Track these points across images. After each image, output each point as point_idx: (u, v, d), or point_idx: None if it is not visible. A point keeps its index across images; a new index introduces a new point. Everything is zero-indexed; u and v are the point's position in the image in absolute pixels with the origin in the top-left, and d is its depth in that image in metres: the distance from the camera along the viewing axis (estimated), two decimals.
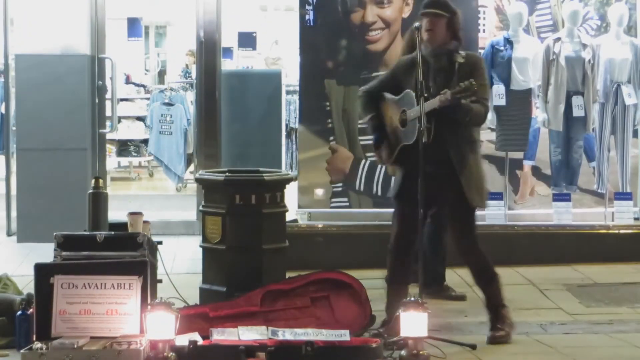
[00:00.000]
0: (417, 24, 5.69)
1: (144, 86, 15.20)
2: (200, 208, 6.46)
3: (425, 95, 5.52)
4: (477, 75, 5.74)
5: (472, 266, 5.88)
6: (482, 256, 5.84)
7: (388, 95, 5.89)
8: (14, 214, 9.19)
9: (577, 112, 8.44)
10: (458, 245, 5.86)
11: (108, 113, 9.72)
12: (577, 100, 8.44)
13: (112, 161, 13.66)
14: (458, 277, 7.38)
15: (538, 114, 8.49)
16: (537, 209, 8.54)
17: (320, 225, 8.26)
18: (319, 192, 8.26)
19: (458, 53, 5.80)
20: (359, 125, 7.99)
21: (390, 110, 5.86)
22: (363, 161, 8.21)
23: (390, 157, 5.87)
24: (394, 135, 5.83)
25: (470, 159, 5.75)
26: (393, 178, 6.13)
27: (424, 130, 5.47)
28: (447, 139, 5.61)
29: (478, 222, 8.32)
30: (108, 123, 9.61)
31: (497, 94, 8.33)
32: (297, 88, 8.97)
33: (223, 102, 9.32)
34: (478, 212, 8.31)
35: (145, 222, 5.90)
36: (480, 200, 5.81)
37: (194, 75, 11.53)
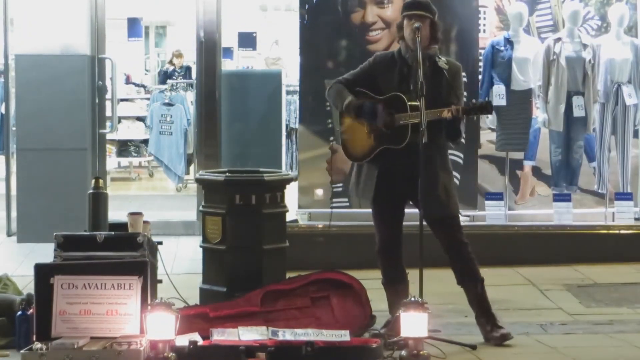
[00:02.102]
0: (417, 24, 5.66)
1: (144, 86, 15.20)
2: (201, 208, 6.46)
3: (414, 105, 5.52)
4: (457, 85, 5.76)
5: (455, 265, 5.82)
6: (467, 255, 5.80)
7: (368, 92, 5.75)
8: (14, 214, 9.20)
9: (578, 112, 8.44)
10: (443, 246, 5.82)
11: (108, 113, 9.72)
12: (577, 101, 8.44)
13: (112, 161, 13.66)
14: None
15: (538, 114, 8.49)
16: (538, 209, 8.54)
17: (320, 226, 8.26)
18: (319, 192, 8.26)
19: (439, 57, 5.77)
20: None
21: None
22: None
23: (391, 123, 5.67)
24: (374, 135, 5.73)
25: (437, 169, 5.71)
26: (353, 177, 5.98)
27: (424, 130, 5.46)
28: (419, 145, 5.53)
29: (478, 223, 8.37)
30: (108, 123, 9.61)
31: (498, 94, 8.33)
32: (297, 88, 8.97)
33: (223, 102, 9.32)
34: (478, 213, 8.37)
35: (145, 222, 5.90)
36: (444, 210, 5.72)
37: (193, 74, 11.53)
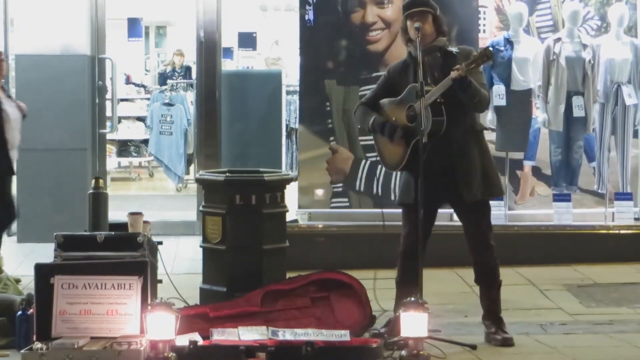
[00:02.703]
0: (417, 24, 5.65)
1: (144, 86, 15.20)
2: (201, 208, 6.46)
3: (427, 89, 5.50)
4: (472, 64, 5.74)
5: (480, 264, 5.84)
6: (493, 255, 5.82)
7: (384, 100, 5.81)
8: None
9: (578, 112, 8.44)
10: (471, 243, 5.83)
11: (108, 113, 9.72)
12: (577, 101, 8.44)
13: (112, 161, 13.67)
14: (458, 277, 7.39)
15: (538, 114, 8.49)
16: (538, 209, 8.54)
17: (320, 226, 8.26)
18: (319, 192, 8.26)
19: (449, 48, 5.77)
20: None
21: (392, 113, 5.78)
22: (363, 161, 8.21)
23: (413, 117, 5.64)
24: (403, 139, 5.72)
25: (472, 152, 5.71)
26: (398, 181, 6.05)
27: (424, 130, 5.45)
28: (452, 132, 5.57)
29: None
30: (108, 123, 9.61)
31: (498, 94, 8.33)
32: (297, 88, 8.97)
33: (223, 102, 9.32)
34: None
35: (145, 222, 5.90)
36: (472, 194, 5.71)
37: (194, 74, 11.53)
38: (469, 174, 5.69)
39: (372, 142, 6.05)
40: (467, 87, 5.55)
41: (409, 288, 5.78)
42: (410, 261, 5.77)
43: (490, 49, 5.71)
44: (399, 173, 6.15)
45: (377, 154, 6.01)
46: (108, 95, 9.77)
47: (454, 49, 5.78)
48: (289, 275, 6.14)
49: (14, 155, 6.88)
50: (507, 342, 5.71)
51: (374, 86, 6.06)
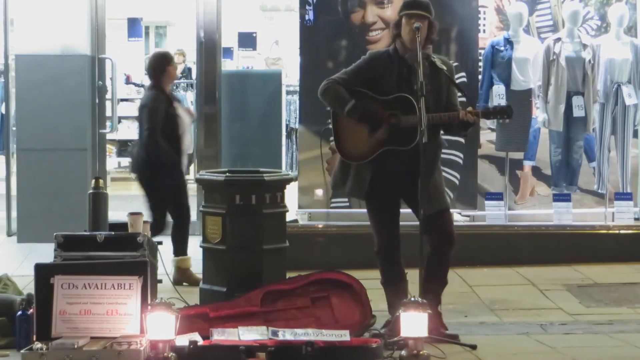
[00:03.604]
0: (417, 24, 5.64)
1: (144, 86, 15.18)
2: (201, 208, 6.47)
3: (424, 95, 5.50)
4: (454, 84, 5.76)
5: (437, 254, 5.74)
6: (448, 259, 5.79)
7: (369, 93, 5.69)
8: (14, 214, 9.20)
9: (578, 112, 8.44)
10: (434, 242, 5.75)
11: (108, 113, 9.72)
12: (577, 101, 8.44)
13: (112, 161, 13.65)
14: (458, 277, 7.39)
15: (538, 114, 8.49)
16: (538, 209, 8.54)
17: (320, 226, 8.26)
18: (319, 192, 8.26)
19: (434, 57, 5.75)
20: None
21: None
22: None
23: (397, 125, 5.63)
24: (377, 136, 5.67)
25: (435, 168, 5.75)
26: (337, 172, 5.89)
27: (424, 130, 5.45)
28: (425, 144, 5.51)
29: (478, 223, 8.37)
30: (108, 123, 9.61)
31: (497, 94, 8.32)
32: (297, 88, 8.97)
33: (223, 102, 9.32)
34: (478, 213, 8.38)
35: (145, 222, 5.91)
36: (436, 205, 5.70)
37: (194, 74, 11.53)
38: (428, 188, 5.65)
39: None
40: (467, 129, 5.67)
41: (395, 287, 5.80)
42: (389, 260, 5.79)
43: (511, 108, 5.68)
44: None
45: (333, 138, 5.82)
46: (108, 95, 9.77)
47: (439, 61, 5.74)
48: (289, 275, 6.14)
49: (185, 160, 7.47)
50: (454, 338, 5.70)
51: (349, 68, 5.87)
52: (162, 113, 7.28)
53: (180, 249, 7.41)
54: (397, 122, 5.61)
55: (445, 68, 5.73)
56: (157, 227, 7.14)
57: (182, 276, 7.29)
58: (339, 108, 5.72)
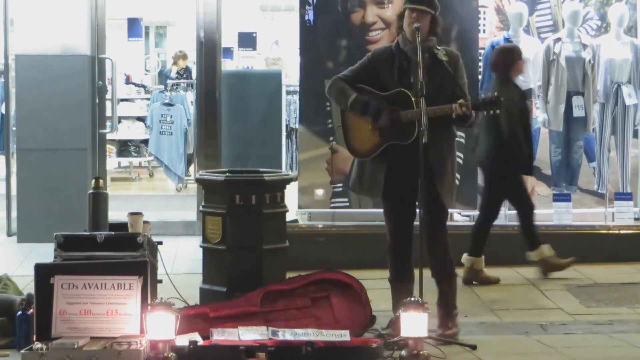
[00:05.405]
0: (416, 24, 5.65)
1: (144, 86, 15.20)
2: (201, 208, 6.46)
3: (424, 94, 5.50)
4: (460, 75, 5.76)
5: (434, 258, 5.78)
6: (447, 251, 5.81)
7: (371, 89, 5.72)
8: (14, 214, 9.20)
9: (577, 112, 8.44)
10: (427, 237, 5.70)
11: (108, 113, 9.72)
12: (577, 101, 8.44)
13: (112, 161, 13.67)
14: (458, 278, 7.37)
15: (538, 114, 8.49)
16: (537, 209, 8.52)
17: (320, 226, 8.26)
18: (319, 192, 8.26)
19: (437, 49, 5.77)
20: None
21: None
22: None
23: (396, 120, 5.64)
24: (379, 131, 5.69)
25: (448, 160, 5.74)
26: (355, 174, 5.92)
27: (424, 129, 5.45)
28: (429, 138, 5.50)
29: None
30: (108, 123, 9.61)
31: None
32: (297, 88, 8.97)
33: (223, 102, 9.32)
34: (478, 213, 8.35)
35: (145, 222, 5.90)
36: (452, 201, 5.80)
37: (194, 75, 11.53)
38: (444, 183, 5.69)
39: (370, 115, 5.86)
40: (464, 121, 5.65)
41: (402, 285, 5.79)
42: (401, 256, 5.79)
43: (502, 99, 5.68)
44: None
45: (342, 136, 5.87)
46: (108, 95, 9.77)
47: (442, 53, 5.76)
48: (289, 275, 6.14)
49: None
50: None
51: (354, 65, 5.92)
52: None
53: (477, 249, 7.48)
54: (396, 117, 5.63)
55: (447, 59, 5.73)
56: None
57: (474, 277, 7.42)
58: (343, 104, 5.77)
